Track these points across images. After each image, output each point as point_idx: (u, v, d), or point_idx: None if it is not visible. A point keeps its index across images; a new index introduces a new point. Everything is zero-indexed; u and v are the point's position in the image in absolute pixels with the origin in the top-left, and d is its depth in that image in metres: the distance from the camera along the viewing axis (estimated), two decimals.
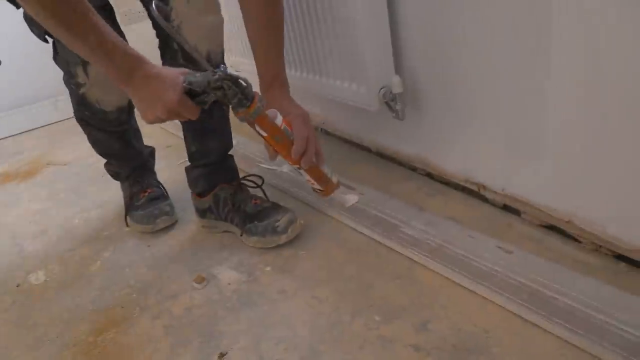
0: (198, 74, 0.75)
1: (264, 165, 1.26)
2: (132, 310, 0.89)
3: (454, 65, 0.89)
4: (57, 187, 1.46)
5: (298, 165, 0.86)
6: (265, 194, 1.05)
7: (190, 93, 0.75)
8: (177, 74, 0.75)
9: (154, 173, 1.23)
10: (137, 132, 1.18)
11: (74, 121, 1.11)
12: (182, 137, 1.06)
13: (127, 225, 1.14)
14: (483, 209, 0.95)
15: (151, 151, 1.24)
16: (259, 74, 0.91)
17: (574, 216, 0.80)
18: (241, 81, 0.75)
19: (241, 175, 1.09)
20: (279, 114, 0.83)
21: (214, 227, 1.06)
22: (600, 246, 0.78)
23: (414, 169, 1.13)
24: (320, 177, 0.90)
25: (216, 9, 0.92)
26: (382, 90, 0.97)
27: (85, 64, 0.93)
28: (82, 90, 0.98)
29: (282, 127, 0.82)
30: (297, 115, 0.86)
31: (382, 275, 0.85)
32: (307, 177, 0.90)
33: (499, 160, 0.90)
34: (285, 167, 1.22)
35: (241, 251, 0.98)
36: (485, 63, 0.83)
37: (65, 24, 0.67)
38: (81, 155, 1.60)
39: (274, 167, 1.23)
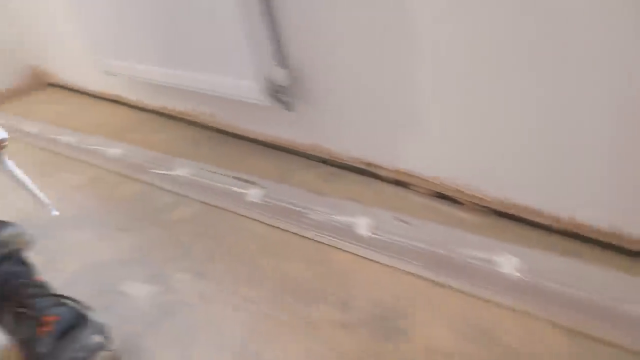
0: None
1: (157, 171, 1.22)
2: None
3: (337, 53, 0.94)
4: None
5: None
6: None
7: None
8: None
9: None
10: None
11: None
12: None
13: None
14: (377, 186, 1.03)
15: None
16: None
17: (458, 183, 0.91)
18: None
19: None
20: None
21: None
22: (476, 204, 0.90)
23: (309, 157, 1.17)
24: None
25: None
26: (266, 83, 0.98)
27: None
28: None
29: None
30: None
31: (297, 262, 0.88)
32: None
33: (387, 139, 0.97)
34: (181, 171, 1.19)
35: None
36: (365, 50, 0.89)
37: None
38: None
39: (168, 172, 1.19)
